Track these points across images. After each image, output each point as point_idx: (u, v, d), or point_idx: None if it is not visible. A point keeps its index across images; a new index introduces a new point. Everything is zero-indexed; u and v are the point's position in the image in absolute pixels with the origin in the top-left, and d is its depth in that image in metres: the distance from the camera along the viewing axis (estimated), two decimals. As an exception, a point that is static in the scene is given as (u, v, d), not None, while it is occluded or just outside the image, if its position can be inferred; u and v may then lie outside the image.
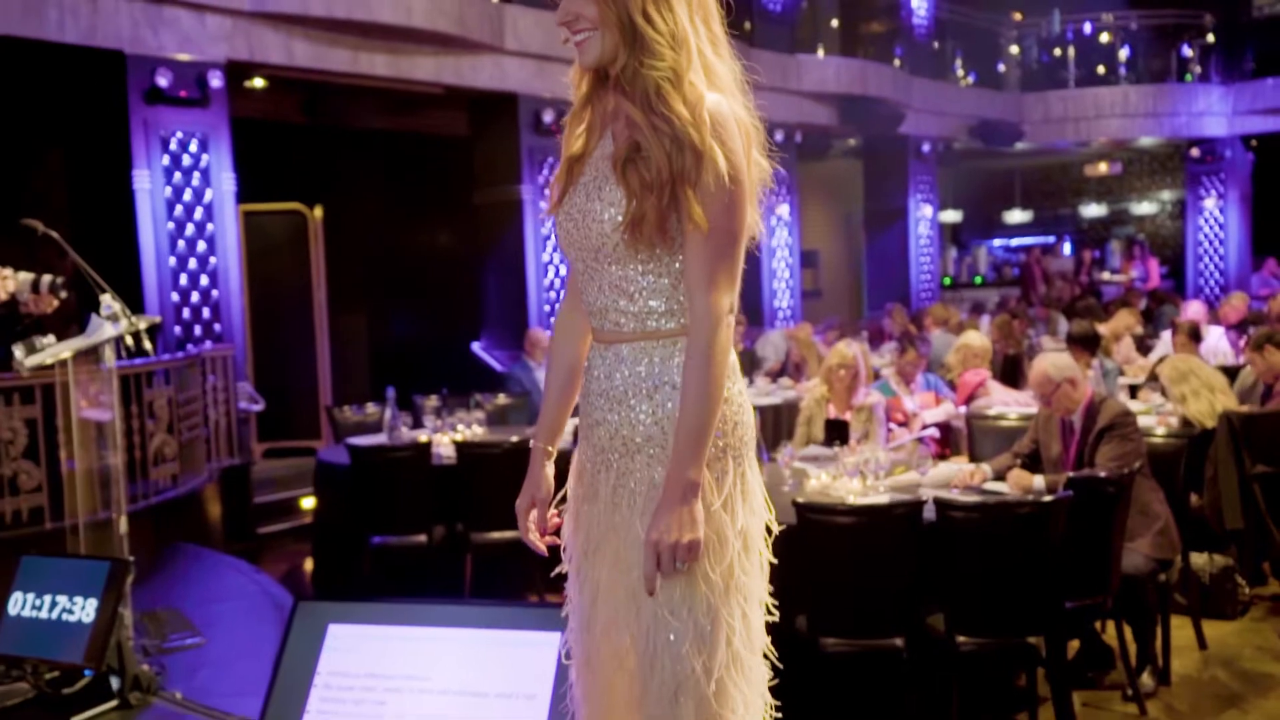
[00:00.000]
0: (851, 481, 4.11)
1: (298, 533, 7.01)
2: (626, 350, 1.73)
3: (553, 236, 9.10)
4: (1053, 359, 4.21)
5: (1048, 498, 3.33)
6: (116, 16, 6.58)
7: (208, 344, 6.86)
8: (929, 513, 3.34)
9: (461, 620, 2.23)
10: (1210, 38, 14.99)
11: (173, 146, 6.88)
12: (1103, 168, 17.57)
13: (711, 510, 1.67)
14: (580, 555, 1.78)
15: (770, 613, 1.77)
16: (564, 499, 1.86)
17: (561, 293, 9.22)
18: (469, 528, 5.08)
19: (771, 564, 1.78)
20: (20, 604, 3.02)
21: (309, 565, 6.37)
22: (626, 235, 1.65)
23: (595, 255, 1.72)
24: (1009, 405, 5.58)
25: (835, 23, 13.33)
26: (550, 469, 1.89)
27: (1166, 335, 8.24)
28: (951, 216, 17.14)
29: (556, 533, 1.86)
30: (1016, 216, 18.58)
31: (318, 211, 9.25)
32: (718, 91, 1.67)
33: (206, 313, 7.01)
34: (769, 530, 1.78)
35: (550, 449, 1.90)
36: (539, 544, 1.86)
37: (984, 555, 3.27)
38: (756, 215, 1.74)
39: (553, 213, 1.79)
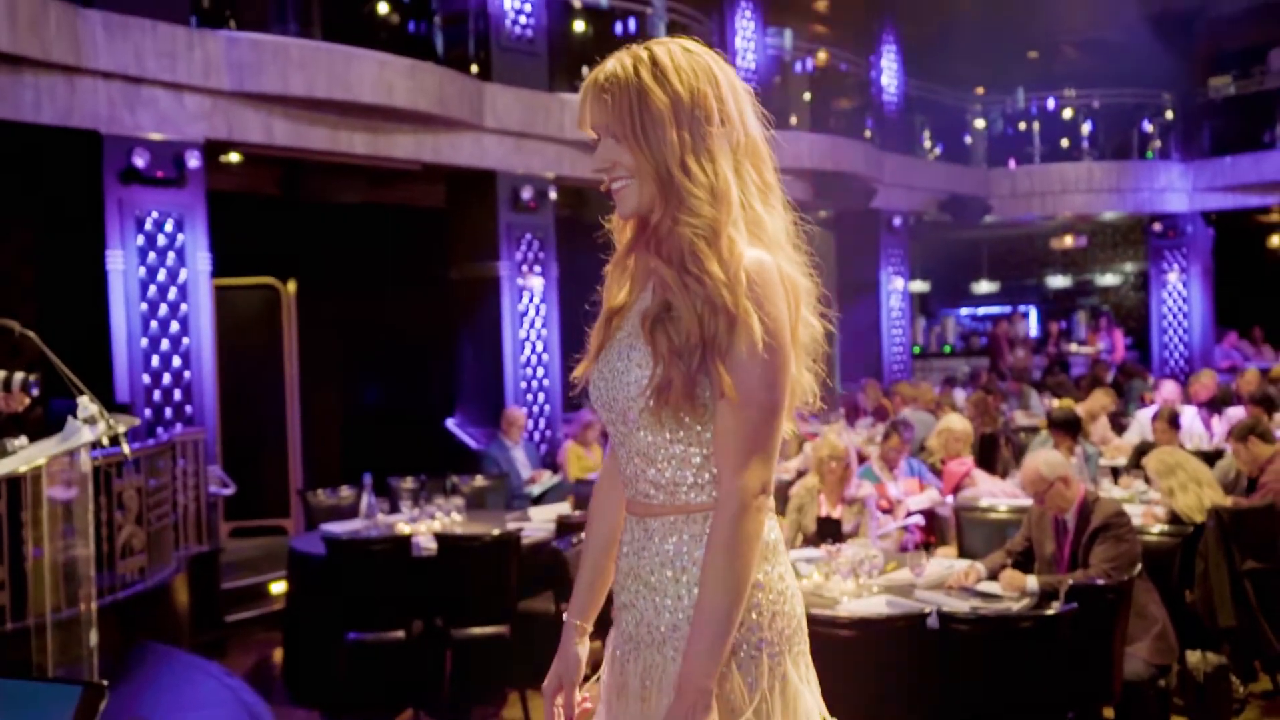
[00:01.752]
0: (845, 582, 4.05)
1: (267, 620, 6.81)
2: (656, 525, 1.59)
3: (533, 319, 9.12)
4: (1045, 457, 4.19)
5: (1051, 610, 3.29)
6: (94, 97, 6.50)
7: (178, 427, 6.69)
8: (931, 620, 3.28)
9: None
10: (1169, 115, 15.42)
11: (148, 226, 6.76)
12: (1068, 240, 17.91)
13: None
14: None
15: None
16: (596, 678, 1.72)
17: (539, 370, 9.28)
18: (449, 623, 4.95)
19: None
20: (-16, 732, 2.86)
21: (278, 656, 6.16)
22: (652, 401, 1.52)
23: (623, 419, 1.59)
24: (997, 496, 5.56)
25: (807, 96, 13.54)
26: (584, 648, 1.73)
27: (1141, 415, 8.28)
28: (920, 286, 17.33)
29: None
30: (984, 287, 18.86)
31: (290, 286, 9.17)
32: (762, 247, 1.54)
33: (178, 394, 6.84)
34: None
35: (585, 625, 1.74)
36: None
37: (987, 668, 3.21)
38: (808, 379, 1.61)
39: (586, 369, 1.65)
